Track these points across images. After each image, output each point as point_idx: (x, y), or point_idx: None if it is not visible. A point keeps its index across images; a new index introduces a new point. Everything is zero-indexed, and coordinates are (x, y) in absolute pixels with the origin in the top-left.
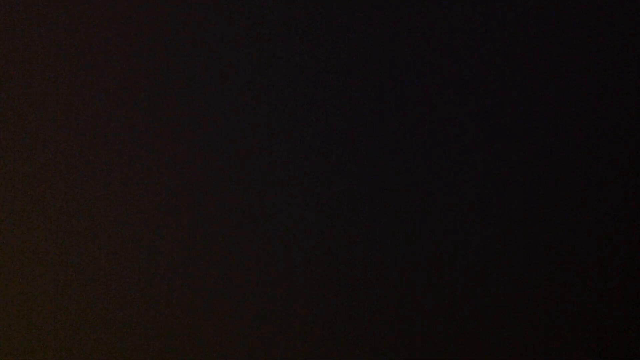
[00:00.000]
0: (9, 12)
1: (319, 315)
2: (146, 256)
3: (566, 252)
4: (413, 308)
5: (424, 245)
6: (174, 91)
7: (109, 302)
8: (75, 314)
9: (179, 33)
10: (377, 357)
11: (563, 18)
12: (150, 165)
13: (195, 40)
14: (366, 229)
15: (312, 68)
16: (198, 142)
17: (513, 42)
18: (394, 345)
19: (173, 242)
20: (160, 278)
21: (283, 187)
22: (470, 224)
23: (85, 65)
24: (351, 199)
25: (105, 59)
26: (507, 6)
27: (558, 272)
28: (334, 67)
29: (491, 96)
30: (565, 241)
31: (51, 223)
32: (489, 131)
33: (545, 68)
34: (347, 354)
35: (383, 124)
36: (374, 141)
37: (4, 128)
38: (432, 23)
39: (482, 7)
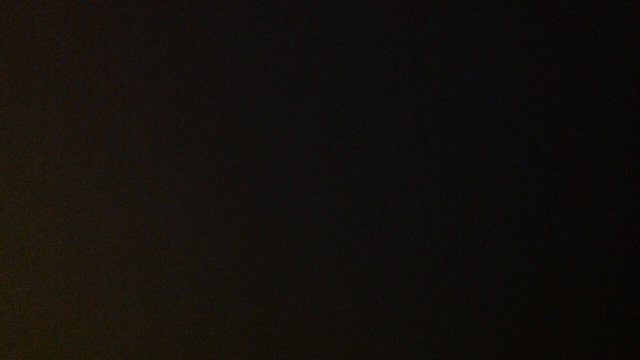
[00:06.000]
0: (9, 12)
1: (320, 315)
2: (146, 256)
3: (566, 252)
4: (413, 309)
5: (425, 245)
6: (173, 91)
7: (109, 302)
8: (76, 314)
9: (179, 33)
10: (377, 357)
11: (563, 18)
12: (150, 165)
13: (195, 40)
14: (366, 229)
15: (312, 68)
16: (198, 142)
17: (513, 42)
18: (394, 346)
19: (173, 242)
20: (161, 278)
21: (283, 187)
22: (471, 224)
23: (85, 65)
24: (351, 199)
25: (106, 59)
26: (507, 6)
27: (558, 273)
28: (334, 67)
29: (492, 96)
30: (566, 241)
31: (51, 223)
32: (490, 131)
33: (545, 68)
34: (347, 354)
35: (383, 124)
36: (374, 141)
37: (4, 128)
38: (432, 23)
39: (482, 7)
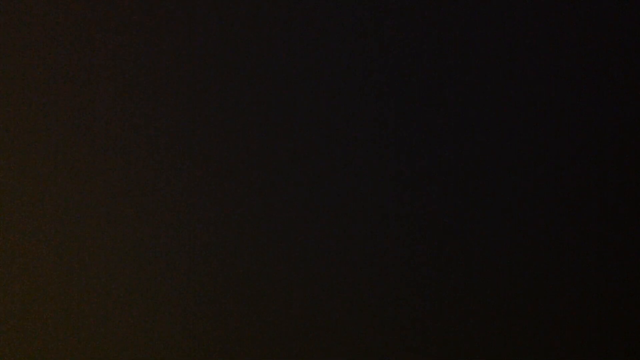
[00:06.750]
0: (9, 12)
1: (320, 315)
2: (146, 257)
3: (566, 252)
4: (414, 309)
5: (426, 245)
6: (173, 91)
7: (109, 302)
8: (76, 314)
9: (178, 33)
10: (377, 357)
11: (563, 18)
12: (150, 166)
13: (195, 40)
14: (366, 229)
15: (313, 68)
16: (198, 142)
17: (513, 42)
18: (394, 346)
19: (173, 243)
20: (161, 279)
21: (283, 188)
22: (471, 225)
23: (85, 65)
24: (351, 199)
25: (105, 59)
26: (507, 6)
27: (558, 272)
28: (335, 67)
29: (493, 97)
30: (565, 241)
31: (51, 223)
32: (491, 132)
33: (545, 68)
34: (347, 354)
35: (384, 125)
36: (375, 142)
37: (4, 128)
38: (433, 23)
39: (482, 8)
